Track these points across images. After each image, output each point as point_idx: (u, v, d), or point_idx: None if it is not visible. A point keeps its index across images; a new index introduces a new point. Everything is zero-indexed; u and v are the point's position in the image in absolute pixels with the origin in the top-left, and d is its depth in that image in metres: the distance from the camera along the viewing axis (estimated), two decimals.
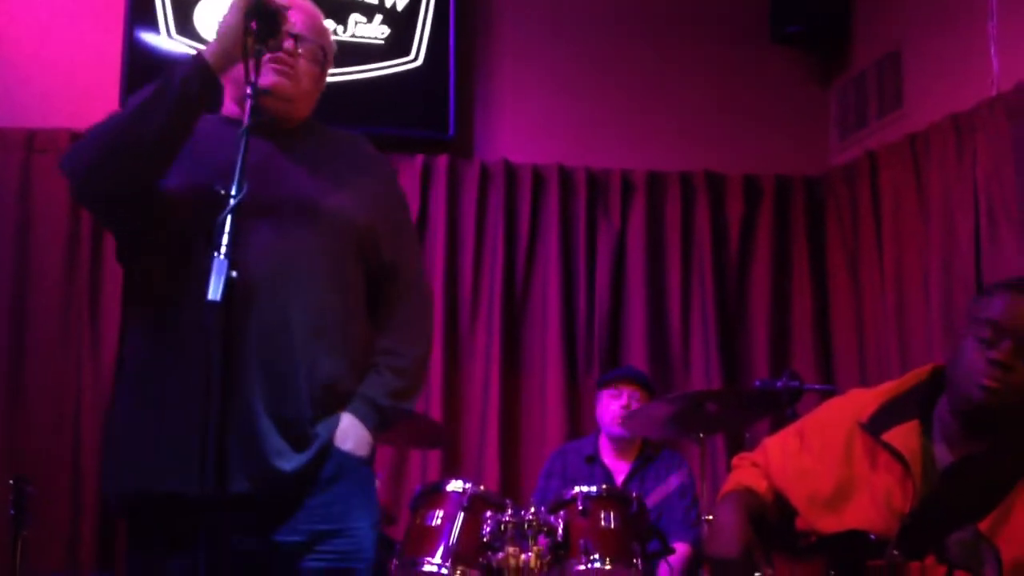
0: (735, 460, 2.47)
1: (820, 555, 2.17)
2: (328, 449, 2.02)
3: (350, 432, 2.05)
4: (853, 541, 2.10)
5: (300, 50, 2.13)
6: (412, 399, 2.18)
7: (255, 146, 1.98)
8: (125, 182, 1.96)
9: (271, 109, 2.09)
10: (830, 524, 2.17)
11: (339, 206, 2.09)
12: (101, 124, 1.99)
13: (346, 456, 2.03)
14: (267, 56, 2.02)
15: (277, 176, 2.08)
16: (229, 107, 2.19)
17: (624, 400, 4.05)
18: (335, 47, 2.26)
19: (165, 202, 2.00)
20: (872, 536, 2.07)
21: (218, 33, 1.96)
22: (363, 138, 2.30)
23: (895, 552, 2.02)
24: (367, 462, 2.08)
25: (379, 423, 2.09)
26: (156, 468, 1.93)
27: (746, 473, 2.38)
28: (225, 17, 1.95)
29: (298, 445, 1.98)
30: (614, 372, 4.35)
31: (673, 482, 3.96)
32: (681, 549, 3.76)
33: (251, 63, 1.90)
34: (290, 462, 1.97)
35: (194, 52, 2.00)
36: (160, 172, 1.98)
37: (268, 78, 2.06)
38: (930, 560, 2.01)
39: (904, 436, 2.14)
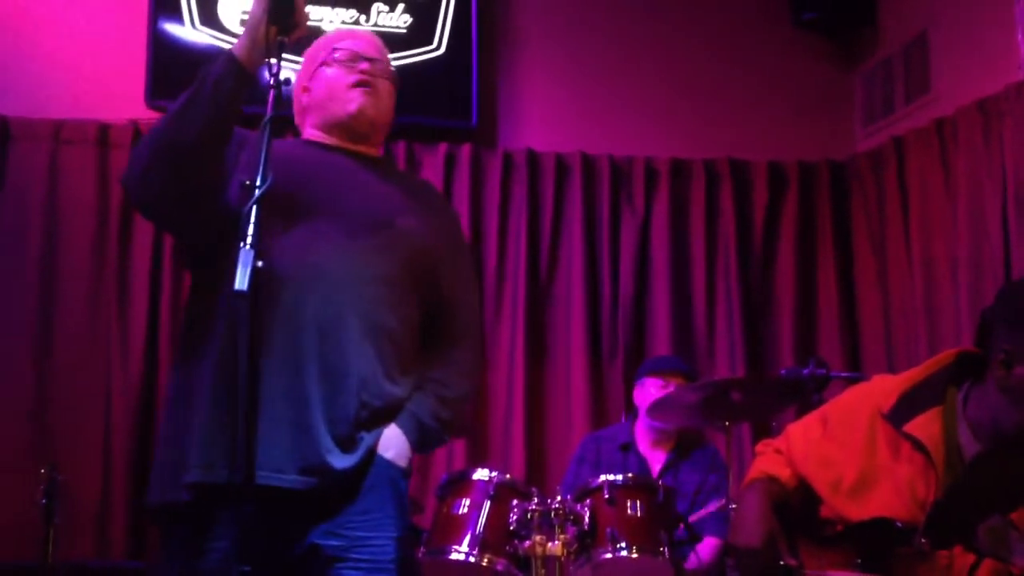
0: (759, 447, 2.46)
1: (846, 543, 2.16)
2: (372, 455, 2.04)
3: (393, 442, 2.08)
4: (880, 529, 2.08)
5: (375, 70, 2.21)
6: (452, 432, 2.21)
7: (340, 162, 2.16)
8: (175, 188, 1.98)
9: (357, 131, 2.21)
10: (854, 512, 2.16)
11: (410, 227, 2.16)
12: (146, 135, 2.03)
13: (387, 465, 2.06)
14: (352, 79, 2.17)
15: (359, 190, 2.16)
16: (310, 132, 2.25)
17: (672, 391, 3.95)
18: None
19: (230, 213, 1.99)
20: (899, 524, 2.05)
21: (245, 27, 2.00)
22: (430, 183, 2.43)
23: (923, 540, 2.01)
24: (405, 474, 2.12)
25: (420, 441, 2.12)
26: (209, 460, 1.92)
27: (769, 460, 2.37)
28: (251, 10, 1.98)
29: (343, 446, 2.00)
30: (664, 362, 4.25)
31: (711, 479, 3.94)
32: (713, 543, 3.74)
33: (272, 55, 1.92)
34: (341, 461, 1.99)
35: (225, 48, 2.04)
36: (207, 173, 2.01)
37: (357, 101, 2.18)
38: (958, 549, 2.00)
39: (926, 425, 2.12)
